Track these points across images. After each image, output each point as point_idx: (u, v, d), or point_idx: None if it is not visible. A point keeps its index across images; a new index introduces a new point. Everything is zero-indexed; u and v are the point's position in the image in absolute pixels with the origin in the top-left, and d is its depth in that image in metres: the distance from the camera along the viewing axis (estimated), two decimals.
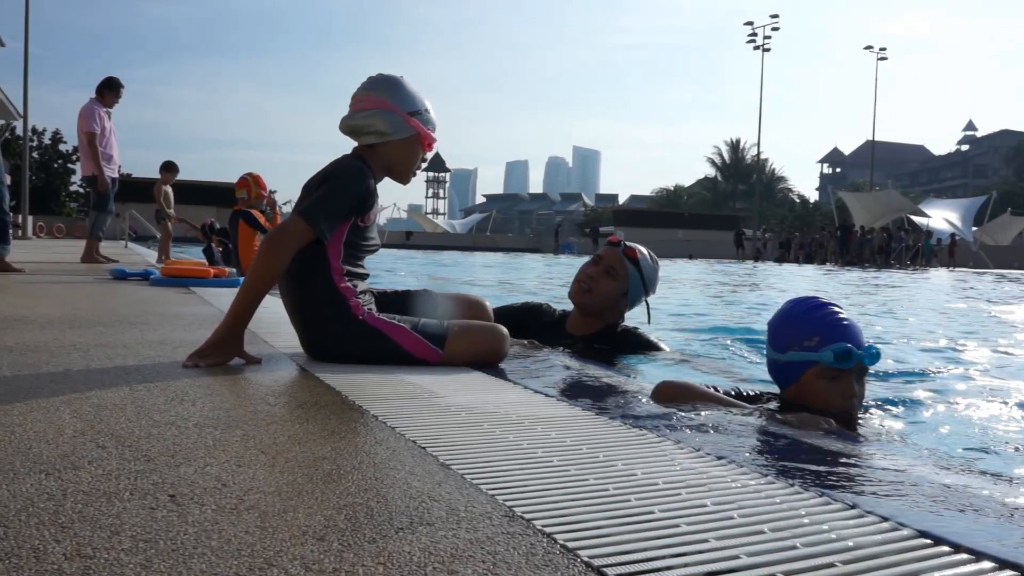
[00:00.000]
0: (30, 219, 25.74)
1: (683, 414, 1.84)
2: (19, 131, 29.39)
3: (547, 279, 13.16)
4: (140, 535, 0.94)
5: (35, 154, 40.87)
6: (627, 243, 3.20)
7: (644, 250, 3.22)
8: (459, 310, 2.69)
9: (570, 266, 16.82)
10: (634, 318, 3.29)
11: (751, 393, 2.19)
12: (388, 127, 2.45)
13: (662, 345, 3.21)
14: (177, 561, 0.87)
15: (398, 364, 2.34)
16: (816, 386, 2.03)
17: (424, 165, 2.64)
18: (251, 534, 0.95)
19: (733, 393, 2.13)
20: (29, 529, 0.94)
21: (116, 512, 1.01)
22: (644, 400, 2.03)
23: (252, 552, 0.90)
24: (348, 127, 2.50)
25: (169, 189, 10.63)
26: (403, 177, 2.57)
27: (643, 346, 3.15)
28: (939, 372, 3.49)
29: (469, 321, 2.55)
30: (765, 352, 2.19)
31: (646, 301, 3.23)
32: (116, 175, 8.67)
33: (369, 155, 2.48)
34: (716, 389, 2.09)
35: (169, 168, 10.59)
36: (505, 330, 2.52)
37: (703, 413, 1.86)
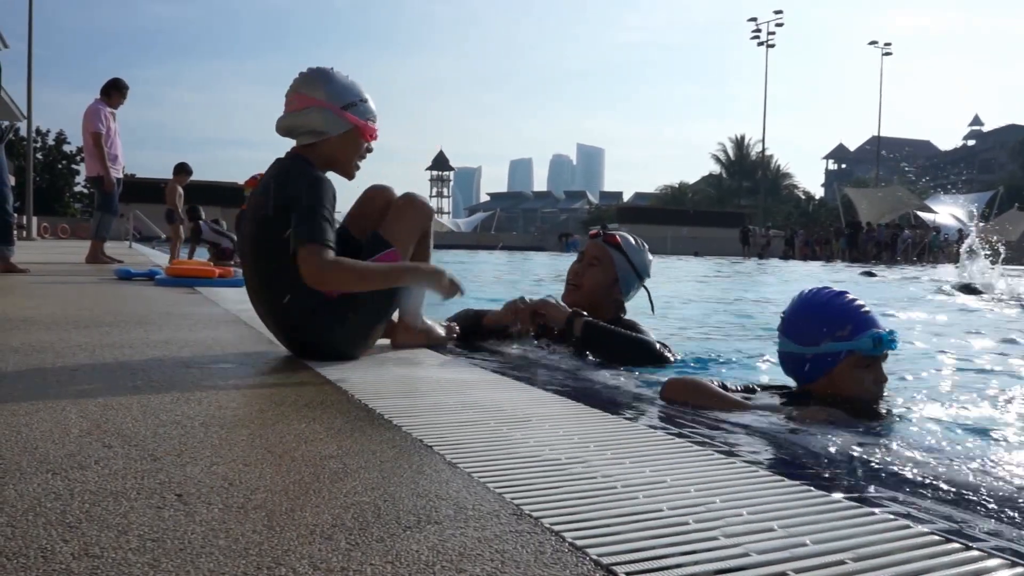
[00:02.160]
0: (34, 220, 25.79)
1: (692, 411, 1.83)
2: (23, 132, 29.46)
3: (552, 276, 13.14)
4: (147, 534, 0.93)
5: (39, 155, 40.95)
6: (607, 231, 3.09)
7: (628, 235, 3.11)
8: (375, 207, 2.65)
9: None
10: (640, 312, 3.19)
11: (761, 388, 2.18)
12: (322, 125, 2.41)
13: (657, 345, 2.91)
14: (185, 560, 0.86)
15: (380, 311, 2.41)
16: (851, 375, 2.04)
17: (368, 155, 2.58)
18: (259, 533, 0.95)
19: (740, 388, 2.13)
20: (37, 529, 0.94)
21: (123, 511, 1.01)
22: (652, 397, 2.03)
23: (260, 551, 0.90)
24: (283, 128, 2.46)
25: (181, 190, 10.70)
26: (347, 171, 2.51)
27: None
28: (951, 367, 3.47)
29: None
30: (781, 348, 2.17)
31: (645, 288, 3.10)
32: (121, 175, 8.69)
33: (309, 154, 2.43)
34: (725, 385, 2.09)
35: (183, 170, 10.68)
36: (418, 194, 2.59)
37: (712, 410, 1.85)
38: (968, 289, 9.71)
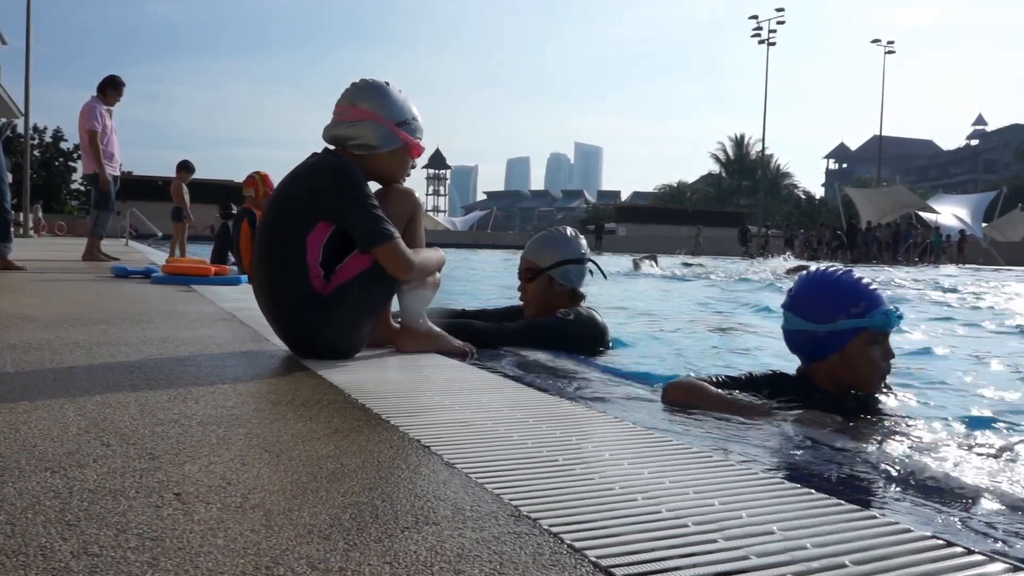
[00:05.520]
0: (31, 217, 25.75)
1: (692, 413, 1.83)
2: (20, 129, 29.40)
3: None
4: (146, 533, 0.93)
5: (36, 152, 40.88)
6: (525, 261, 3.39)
7: (545, 233, 3.44)
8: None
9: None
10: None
11: (765, 375, 2.19)
12: (376, 140, 2.44)
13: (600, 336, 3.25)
14: (184, 559, 0.86)
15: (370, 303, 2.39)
16: (863, 352, 2.07)
17: (413, 171, 2.65)
18: (257, 532, 0.95)
19: (742, 378, 2.13)
20: (36, 527, 0.94)
21: (122, 510, 1.01)
22: (651, 399, 2.03)
23: (258, 551, 0.89)
24: (333, 137, 2.47)
25: (185, 188, 10.72)
26: (396, 184, 2.58)
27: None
28: (956, 369, 3.47)
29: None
30: (788, 326, 2.18)
31: (592, 261, 3.39)
32: (117, 173, 8.68)
33: (352, 159, 2.45)
34: (727, 383, 2.09)
35: (186, 167, 10.71)
36: (414, 192, 2.62)
37: (712, 413, 1.85)
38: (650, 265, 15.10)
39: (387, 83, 2.52)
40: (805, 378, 2.15)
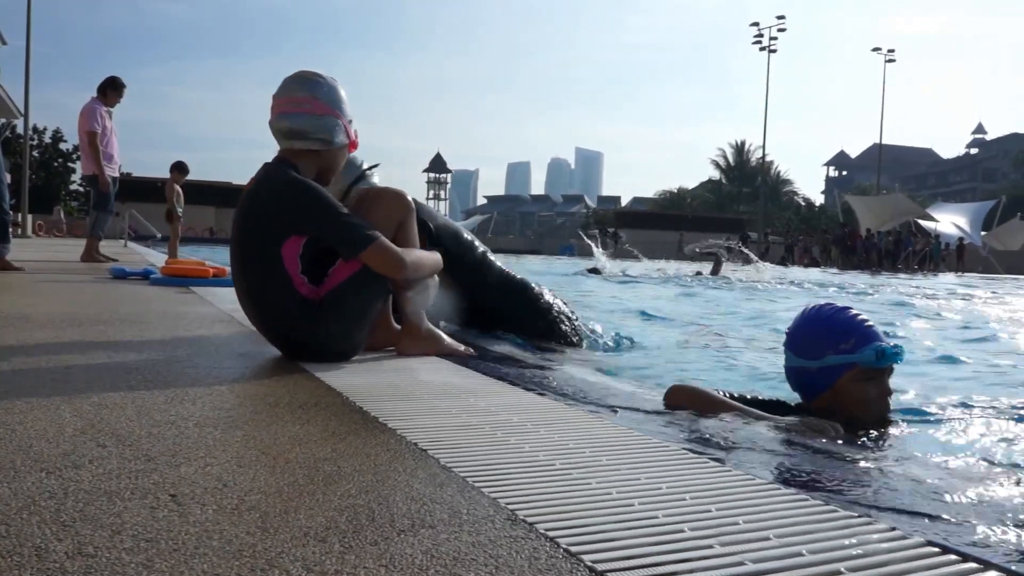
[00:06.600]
0: (30, 218, 25.75)
1: (689, 419, 1.83)
2: (20, 130, 29.41)
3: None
4: (141, 534, 0.93)
5: (35, 153, 40.89)
6: None
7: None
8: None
9: (574, 266, 17.36)
10: None
11: (767, 400, 2.19)
12: (333, 136, 2.45)
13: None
14: (179, 561, 0.86)
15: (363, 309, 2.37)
16: (854, 388, 2.06)
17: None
18: (252, 535, 0.95)
19: (749, 398, 2.13)
20: (31, 527, 0.94)
21: (117, 511, 1.01)
22: (650, 403, 2.03)
23: (254, 553, 0.89)
24: (291, 130, 2.42)
25: (179, 189, 10.72)
26: (329, 181, 2.56)
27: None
28: (954, 378, 3.47)
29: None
30: (787, 364, 2.20)
31: (367, 172, 3.26)
32: (117, 174, 8.68)
33: (301, 159, 2.43)
34: (732, 394, 2.09)
35: (179, 168, 10.71)
36: (406, 194, 2.59)
37: (710, 418, 1.85)
38: (594, 271, 14.42)
39: (335, 79, 2.52)
40: (806, 409, 2.15)
